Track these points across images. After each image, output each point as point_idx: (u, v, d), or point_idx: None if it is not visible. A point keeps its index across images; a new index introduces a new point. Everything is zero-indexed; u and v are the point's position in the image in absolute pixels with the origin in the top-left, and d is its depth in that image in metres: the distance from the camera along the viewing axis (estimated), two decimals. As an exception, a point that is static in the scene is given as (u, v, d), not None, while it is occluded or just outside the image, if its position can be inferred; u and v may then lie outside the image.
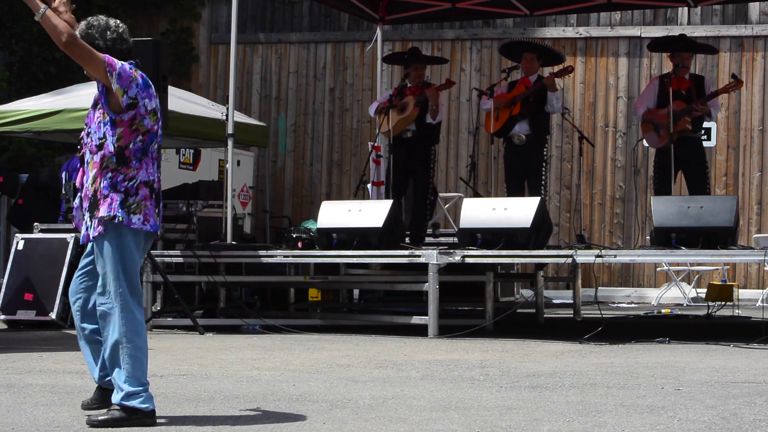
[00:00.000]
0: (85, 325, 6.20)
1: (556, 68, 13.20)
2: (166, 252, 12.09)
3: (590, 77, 18.12)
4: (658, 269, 17.31)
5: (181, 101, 13.85)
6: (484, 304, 11.70)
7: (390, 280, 12.43)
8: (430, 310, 11.01)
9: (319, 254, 11.76)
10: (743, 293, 15.95)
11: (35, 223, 12.68)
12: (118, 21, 6.23)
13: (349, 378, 7.80)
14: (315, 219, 12.38)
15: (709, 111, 12.44)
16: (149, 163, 6.07)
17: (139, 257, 6.06)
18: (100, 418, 5.85)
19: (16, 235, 12.74)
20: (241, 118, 14.61)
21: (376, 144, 14.32)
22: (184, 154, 16.94)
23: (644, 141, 13.44)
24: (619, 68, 18.04)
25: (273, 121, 19.02)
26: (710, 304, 13.89)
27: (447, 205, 16.51)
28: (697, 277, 16.80)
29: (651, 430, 5.69)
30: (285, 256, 11.85)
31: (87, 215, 6.07)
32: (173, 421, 5.96)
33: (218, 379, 7.66)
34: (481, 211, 11.42)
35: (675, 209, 10.94)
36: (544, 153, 12.79)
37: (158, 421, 5.89)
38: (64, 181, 12.76)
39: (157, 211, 6.09)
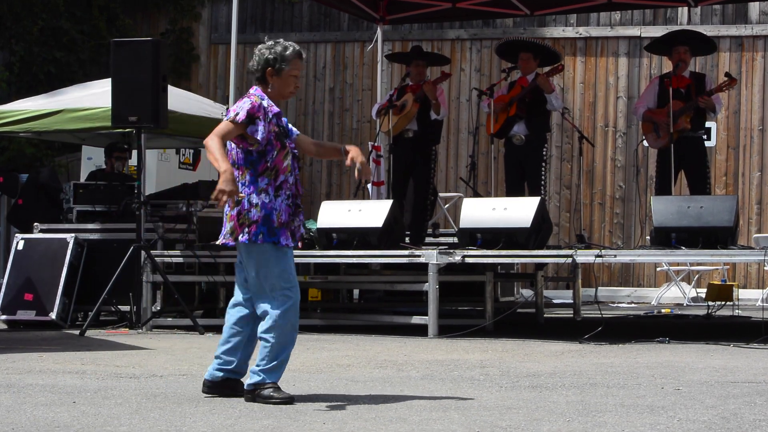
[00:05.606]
0: None
1: (546, 69, 13.09)
2: (166, 252, 12.09)
3: (590, 77, 18.12)
4: (658, 269, 17.30)
5: (182, 101, 13.84)
6: (484, 304, 11.69)
7: (390, 280, 12.42)
8: (430, 310, 11.01)
9: (319, 254, 11.76)
10: (743, 293, 15.94)
11: (35, 223, 12.69)
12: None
13: (349, 378, 7.80)
14: (315, 219, 12.38)
15: (714, 105, 12.41)
16: None
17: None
18: None
19: (16, 235, 12.73)
20: (241, 118, 14.58)
21: (376, 144, 14.31)
22: (184, 154, 16.94)
23: (645, 141, 13.42)
24: (619, 68, 18.04)
25: (273, 121, 18.99)
26: (710, 304, 13.87)
27: (447, 205, 16.50)
28: (697, 276, 16.80)
29: (651, 430, 5.70)
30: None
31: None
32: (172, 421, 5.96)
33: (218, 379, 7.65)
34: (480, 211, 11.42)
35: (675, 209, 10.93)
36: (544, 153, 12.76)
37: (158, 422, 5.89)
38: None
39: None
